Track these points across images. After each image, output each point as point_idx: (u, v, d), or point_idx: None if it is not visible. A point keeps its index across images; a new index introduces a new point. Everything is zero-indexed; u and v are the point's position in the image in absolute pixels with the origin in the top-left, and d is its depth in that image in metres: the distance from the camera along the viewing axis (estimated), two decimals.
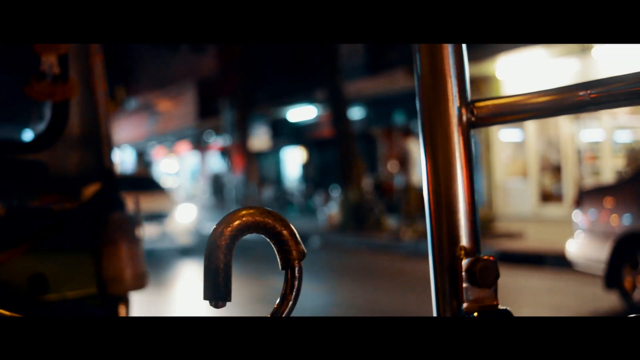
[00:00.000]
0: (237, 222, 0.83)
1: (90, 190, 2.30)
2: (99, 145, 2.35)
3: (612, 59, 13.85)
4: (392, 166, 19.91)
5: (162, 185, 17.24)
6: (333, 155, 19.49)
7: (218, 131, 26.50)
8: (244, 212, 0.84)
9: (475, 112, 0.90)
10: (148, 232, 12.72)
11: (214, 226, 0.83)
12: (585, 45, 13.68)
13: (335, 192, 18.11)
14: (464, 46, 0.90)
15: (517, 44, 13.67)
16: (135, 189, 14.62)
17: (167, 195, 15.88)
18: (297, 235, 0.86)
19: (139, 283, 2.33)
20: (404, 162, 15.71)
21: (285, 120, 24.71)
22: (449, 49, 0.89)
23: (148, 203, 13.43)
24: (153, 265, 12.04)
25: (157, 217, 13.62)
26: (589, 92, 0.83)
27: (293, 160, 26.61)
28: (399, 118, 19.74)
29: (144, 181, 16.54)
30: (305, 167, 25.54)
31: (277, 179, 26.77)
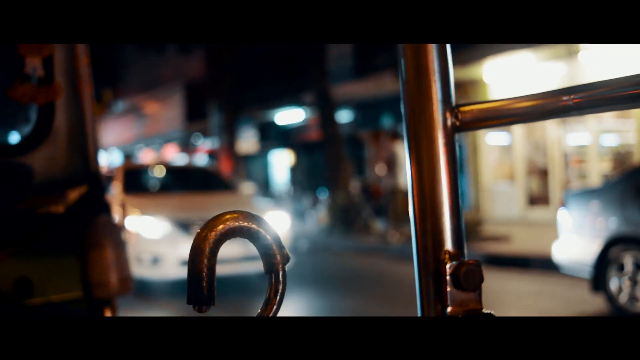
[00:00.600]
0: (221, 227, 0.83)
1: (76, 193, 2.29)
2: (85, 147, 2.34)
3: (598, 63, 13.94)
4: (379, 169, 19.95)
5: (231, 183, 12.68)
6: (321, 158, 19.51)
7: (206, 134, 26.46)
8: (228, 217, 0.84)
9: (459, 116, 0.90)
10: (225, 252, 9.47)
11: (198, 230, 0.83)
12: (572, 49, 13.77)
13: (323, 195, 18.12)
14: (449, 51, 0.91)
15: (504, 48, 13.73)
16: (193, 189, 11.62)
17: (244, 198, 11.65)
18: (281, 240, 0.86)
19: (125, 287, 2.32)
20: (392, 165, 15.76)
21: (273, 123, 24.71)
22: (433, 53, 0.89)
23: (218, 209, 10.15)
24: (232, 302, 8.32)
25: None
26: (572, 97, 0.83)
27: (281, 163, 26.60)
28: (386, 121, 19.78)
29: (204, 177, 12.70)
30: (293, 170, 25.54)
31: (265, 182, 26.74)
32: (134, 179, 11.79)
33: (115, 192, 10.77)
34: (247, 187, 15.05)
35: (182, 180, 12.28)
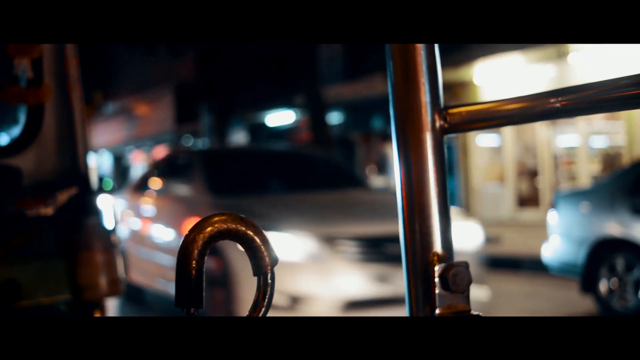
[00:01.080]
0: (209, 229, 0.82)
1: (66, 195, 2.28)
2: (75, 149, 2.33)
3: (588, 65, 13.99)
4: (370, 171, 19.96)
5: (358, 176, 9.07)
6: None
7: (196, 135, 26.43)
8: (216, 219, 0.83)
9: (448, 118, 0.91)
10: (357, 292, 5.73)
11: (187, 233, 0.83)
12: (562, 51, 13.82)
13: None
14: (437, 53, 0.91)
15: (495, 50, 13.77)
16: (313, 186, 7.71)
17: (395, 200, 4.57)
18: (270, 242, 0.86)
19: (114, 289, 2.32)
20: (382, 167, 15.72)
21: (264, 125, 24.70)
22: (422, 55, 0.90)
23: (367, 216, 6.41)
24: None
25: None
26: (559, 99, 0.83)
27: None
28: (377, 123, 19.80)
29: (322, 168, 8.54)
30: None
31: None
32: (224, 173, 7.79)
33: (192, 194, 7.44)
34: (378, 181, 9.17)
35: (293, 174, 8.21)
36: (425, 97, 0.90)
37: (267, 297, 0.85)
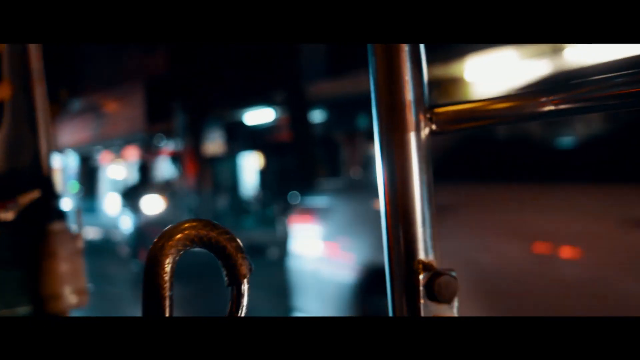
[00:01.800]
0: (178, 236, 0.82)
1: (27, 199, 2.26)
2: (37, 150, 2.32)
3: (585, 61, 14.06)
4: (355, 172, 19.98)
5: None
6: (292, 161, 19.47)
7: (169, 135, 26.31)
8: (186, 225, 0.83)
9: (434, 118, 0.90)
10: None
11: (155, 240, 0.82)
12: (557, 45, 13.89)
13: (295, 200, 18.10)
14: (422, 50, 0.91)
15: (486, 45, 13.82)
16: None
17: None
18: (244, 249, 0.85)
19: (80, 300, 2.30)
20: (367, 168, 15.68)
21: (242, 124, 24.64)
22: (406, 53, 0.89)
23: None
24: None
25: None
26: (550, 97, 0.83)
27: (249, 166, 26.50)
28: (363, 122, 19.81)
29: None
30: (263, 173, 25.46)
31: (233, 186, 26.61)
32: None
33: None
34: None
35: None
36: (409, 96, 0.89)
37: (240, 309, 0.85)
